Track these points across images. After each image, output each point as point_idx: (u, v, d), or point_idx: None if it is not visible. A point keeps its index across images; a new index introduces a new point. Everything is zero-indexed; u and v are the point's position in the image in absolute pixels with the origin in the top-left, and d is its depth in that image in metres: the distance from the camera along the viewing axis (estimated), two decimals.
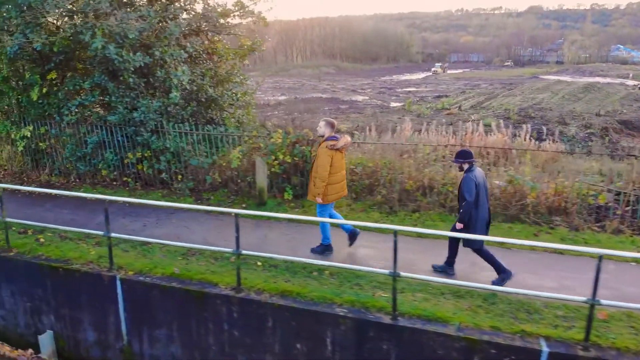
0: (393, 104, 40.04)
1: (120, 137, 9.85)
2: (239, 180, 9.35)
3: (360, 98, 45.99)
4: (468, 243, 5.93)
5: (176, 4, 10.54)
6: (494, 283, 5.79)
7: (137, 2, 10.22)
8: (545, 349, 4.84)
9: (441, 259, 6.37)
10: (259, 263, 6.61)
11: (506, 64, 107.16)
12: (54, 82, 10.17)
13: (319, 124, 6.77)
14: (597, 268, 4.69)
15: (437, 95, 45.50)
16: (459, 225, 5.87)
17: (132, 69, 9.25)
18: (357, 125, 22.34)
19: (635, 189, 8.07)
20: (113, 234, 6.51)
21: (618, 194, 8.17)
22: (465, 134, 12.75)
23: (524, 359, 4.86)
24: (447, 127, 15.07)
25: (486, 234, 6.02)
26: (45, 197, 9.29)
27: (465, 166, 5.96)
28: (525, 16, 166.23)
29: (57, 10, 9.29)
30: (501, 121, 14.51)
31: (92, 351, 6.88)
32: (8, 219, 7.17)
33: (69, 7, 9.32)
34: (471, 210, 5.79)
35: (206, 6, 10.92)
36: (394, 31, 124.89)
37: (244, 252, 5.91)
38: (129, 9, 9.69)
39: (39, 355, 6.70)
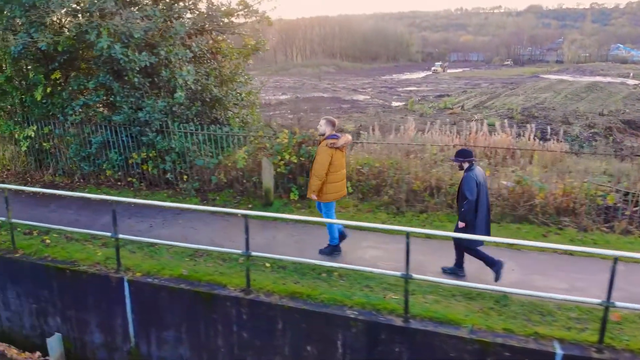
0: (395, 104, 40.04)
1: (124, 137, 9.80)
2: (245, 181, 9.31)
3: (361, 97, 45.98)
4: (467, 242, 5.91)
5: (180, 3, 10.48)
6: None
7: (142, 1, 10.15)
8: (559, 351, 4.81)
9: (449, 260, 6.33)
10: (268, 264, 6.56)
11: (506, 63, 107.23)
12: (57, 81, 10.11)
13: (319, 122, 6.76)
14: (612, 270, 4.66)
15: (439, 95, 45.52)
16: (461, 224, 5.86)
17: (137, 69, 9.20)
18: (360, 125, 22.31)
19: None
20: (120, 235, 6.46)
21: (626, 194, 8.14)
22: (470, 134, 12.73)
23: None
24: (450, 126, 15.02)
25: (488, 232, 6.01)
26: (49, 197, 9.23)
27: (465, 165, 5.97)
28: (525, 15, 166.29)
29: (62, 10, 9.22)
30: (505, 121, 14.47)
31: (99, 353, 6.84)
32: (14, 220, 7.12)
33: (73, 6, 9.26)
34: (472, 209, 5.78)
35: (210, 5, 10.86)
36: (394, 30, 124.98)
37: (253, 253, 5.87)
38: (133, 8, 9.63)
39: (47, 358, 6.66)
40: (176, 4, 10.27)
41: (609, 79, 59.69)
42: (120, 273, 6.46)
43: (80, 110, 10.00)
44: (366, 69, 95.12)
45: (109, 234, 6.53)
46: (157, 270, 6.48)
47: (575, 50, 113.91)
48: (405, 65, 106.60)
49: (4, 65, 10.36)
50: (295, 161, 8.85)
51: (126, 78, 9.43)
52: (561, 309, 5.42)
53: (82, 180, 10.37)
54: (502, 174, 8.61)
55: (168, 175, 9.65)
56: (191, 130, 9.59)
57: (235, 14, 11.24)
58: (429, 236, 6.86)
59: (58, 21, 10.04)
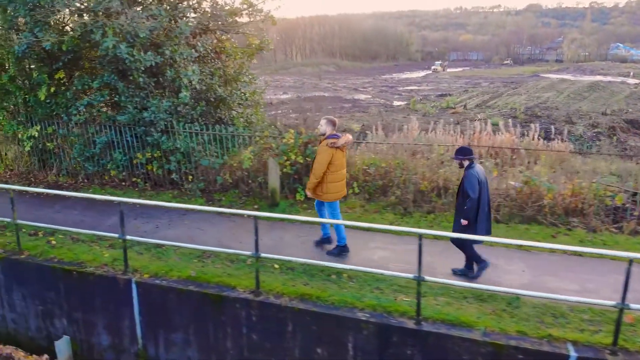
0: (396, 103, 40.01)
1: (129, 137, 9.74)
2: (250, 181, 9.26)
3: (362, 97, 45.94)
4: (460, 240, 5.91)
5: (185, 2, 10.42)
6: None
7: (147, 1, 10.09)
8: (573, 353, 4.77)
9: (458, 261, 6.30)
10: (276, 266, 6.52)
11: (506, 62, 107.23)
12: (62, 81, 10.04)
13: (320, 122, 6.74)
14: (627, 272, 4.62)
15: (440, 94, 45.49)
16: (464, 222, 5.85)
17: (143, 69, 9.14)
18: (363, 125, 22.26)
19: None
20: (128, 237, 6.41)
21: (634, 194, 8.10)
22: (474, 134, 12.67)
23: None
24: (454, 126, 14.96)
25: (489, 229, 6.01)
26: (53, 198, 9.17)
27: (466, 163, 5.97)
28: (524, 14, 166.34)
29: (66, 9, 9.16)
30: (510, 120, 14.43)
31: (106, 355, 6.79)
32: (19, 221, 7.07)
33: (78, 5, 9.20)
34: (475, 207, 5.79)
35: (214, 5, 10.81)
36: (394, 29, 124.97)
37: (263, 254, 5.82)
38: (138, 8, 9.58)
39: None
40: (181, 4, 10.21)
41: (609, 78, 59.71)
42: (127, 274, 6.40)
43: (84, 110, 9.92)
44: (366, 68, 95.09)
45: (116, 235, 6.48)
46: (165, 271, 6.43)
47: (575, 49, 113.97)
48: (405, 65, 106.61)
49: (7, 65, 10.28)
50: (302, 161, 8.80)
51: (131, 78, 9.37)
52: (574, 310, 5.39)
53: (86, 181, 10.32)
54: (510, 174, 8.57)
55: (173, 176, 9.60)
56: (196, 130, 9.54)
57: (240, 14, 11.18)
58: (436, 237, 6.82)
59: (63, 21, 9.97)
